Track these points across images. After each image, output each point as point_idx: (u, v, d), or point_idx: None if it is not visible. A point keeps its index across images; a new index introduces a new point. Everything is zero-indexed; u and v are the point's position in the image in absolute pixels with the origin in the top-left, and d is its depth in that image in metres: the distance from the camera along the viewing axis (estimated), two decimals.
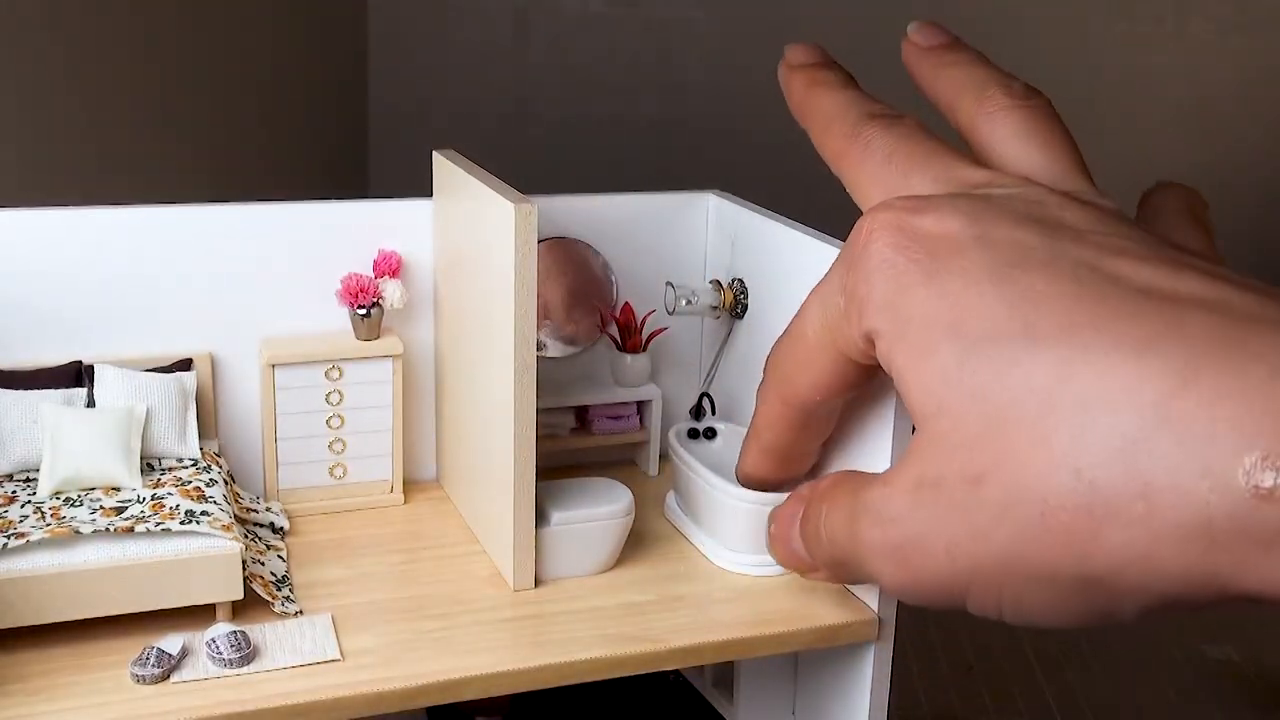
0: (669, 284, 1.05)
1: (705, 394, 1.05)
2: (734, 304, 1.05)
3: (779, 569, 0.94)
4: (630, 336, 1.09)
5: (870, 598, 0.89)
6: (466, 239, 0.95)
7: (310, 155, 2.78)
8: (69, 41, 1.76)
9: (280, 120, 2.62)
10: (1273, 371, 0.47)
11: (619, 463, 1.12)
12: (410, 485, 1.06)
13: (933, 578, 0.60)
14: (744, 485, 0.89)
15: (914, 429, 0.62)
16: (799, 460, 0.87)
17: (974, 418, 0.55)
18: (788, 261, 0.97)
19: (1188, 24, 3.11)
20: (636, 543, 0.97)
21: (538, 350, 1.07)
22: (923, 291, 0.58)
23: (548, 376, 1.09)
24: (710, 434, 1.04)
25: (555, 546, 0.92)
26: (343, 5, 2.99)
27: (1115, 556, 0.51)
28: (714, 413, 1.05)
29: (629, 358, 1.09)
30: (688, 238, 1.10)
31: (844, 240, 0.67)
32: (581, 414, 1.10)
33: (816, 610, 0.89)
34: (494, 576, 0.93)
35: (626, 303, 1.09)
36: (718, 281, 1.07)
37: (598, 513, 0.92)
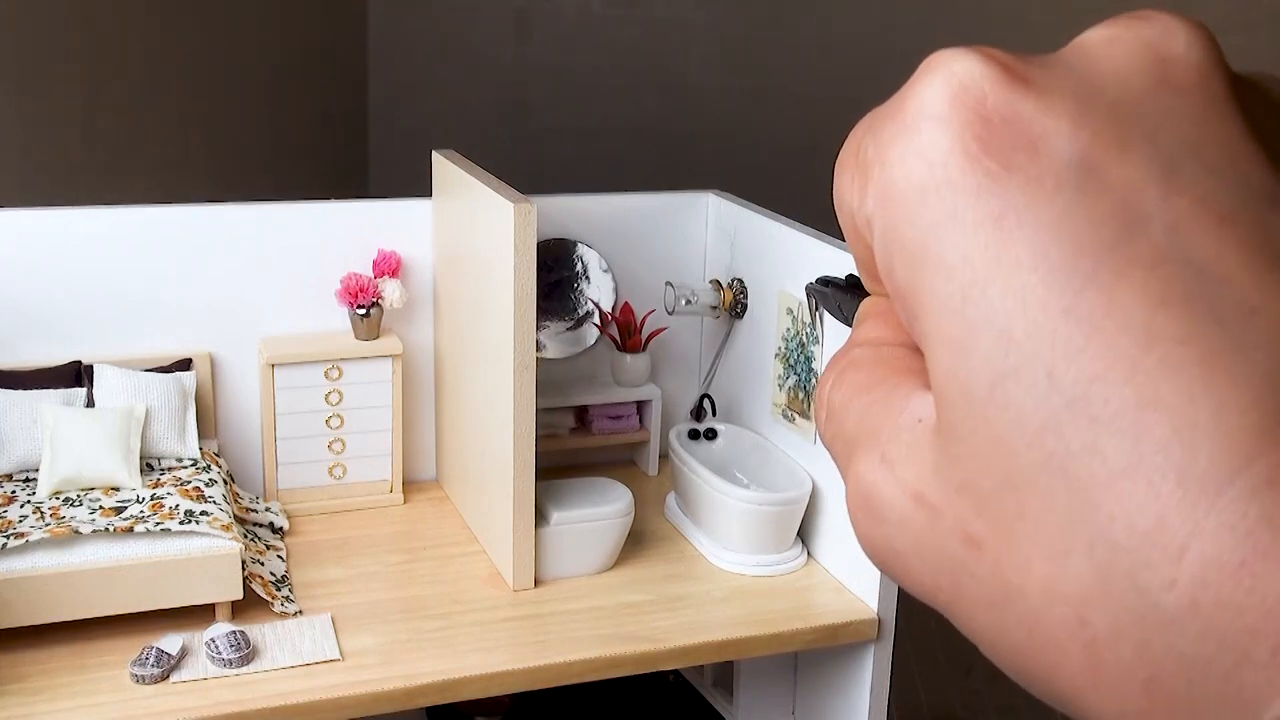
0: (668, 284, 1.05)
1: (706, 395, 1.05)
2: (734, 303, 1.05)
3: (778, 569, 0.94)
4: (630, 336, 1.09)
5: (870, 597, 0.89)
6: (466, 239, 0.95)
7: (310, 155, 2.77)
8: (69, 41, 1.76)
9: (280, 120, 2.62)
10: None
11: (619, 462, 1.12)
12: (410, 485, 1.06)
13: (898, 578, 0.55)
14: None
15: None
16: None
17: (993, 477, 0.40)
18: (788, 261, 0.97)
19: None
20: (636, 542, 0.97)
21: (537, 350, 1.07)
22: (975, 239, 0.34)
23: (547, 376, 1.09)
24: (711, 435, 1.04)
25: (554, 546, 0.92)
26: (343, 5, 2.98)
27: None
28: (714, 413, 1.05)
29: (628, 358, 1.09)
30: (688, 238, 1.10)
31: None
32: (581, 414, 1.10)
33: (815, 610, 0.90)
34: (493, 576, 0.93)
35: (626, 302, 1.09)
36: (717, 281, 1.07)
37: (597, 512, 0.92)
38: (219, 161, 2.33)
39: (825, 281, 0.50)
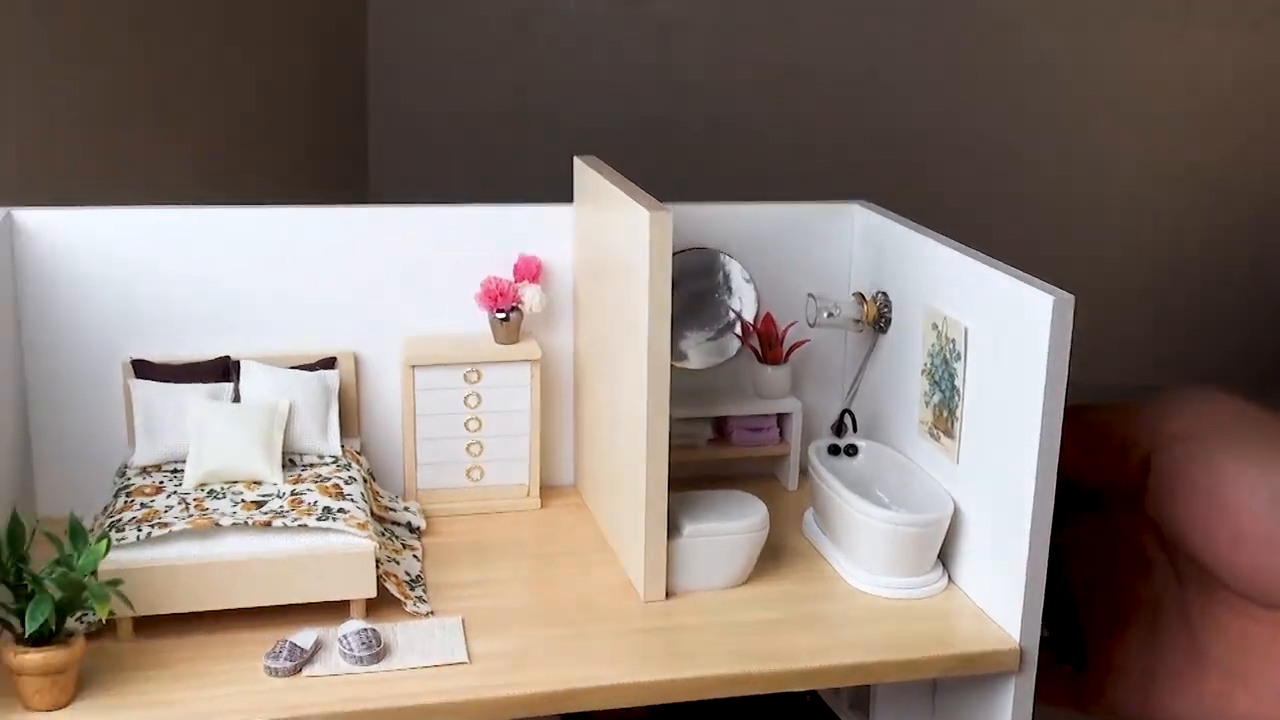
0: (810, 295, 1.03)
1: (847, 410, 1.03)
2: (877, 317, 1.03)
3: (917, 592, 0.91)
4: (771, 348, 1.07)
5: (1013, 626, 0.86)
6: (604, 245, 0.94)
7: (310, 155, 2.78)
8: (69, 42, 1.77)
9: (280, 120, 2.63)
10: None
11: (758, 475, 1.11)
12: (548, 490, 1.06)
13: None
14: None
15: None
16: None
17: None
18: (934, 276, 0.94)
19: (1188, 24, 3.00)
20: (771, 558, 0.96)
21: (679, 360, 1.07)
22: None
23: (687, 386, 1.08)
24: (852, 451, 1.02)
25: (686, 558, 0.90)
26: (343, 5, 2.99)
27: None
28: (855, 429, 1.03)
29: (769, 369, 1.07)
30: (833, 249, 1.08)
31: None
32: (720, 425, 1.09)
33: (953, 636, 0.87)
34: (625, 586, 0.92)
35: (768, 314, 1.08)
36: (860, 294, 1.04)
37: (730, 526, 0.91)
38: (218, 160, 2.35)
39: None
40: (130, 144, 1.99)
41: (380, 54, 3.03)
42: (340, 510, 0.86)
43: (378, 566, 0.86)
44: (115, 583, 0.78)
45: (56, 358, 0.96)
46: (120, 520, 0.84)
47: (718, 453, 1.08)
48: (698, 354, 1.08)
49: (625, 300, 0.89)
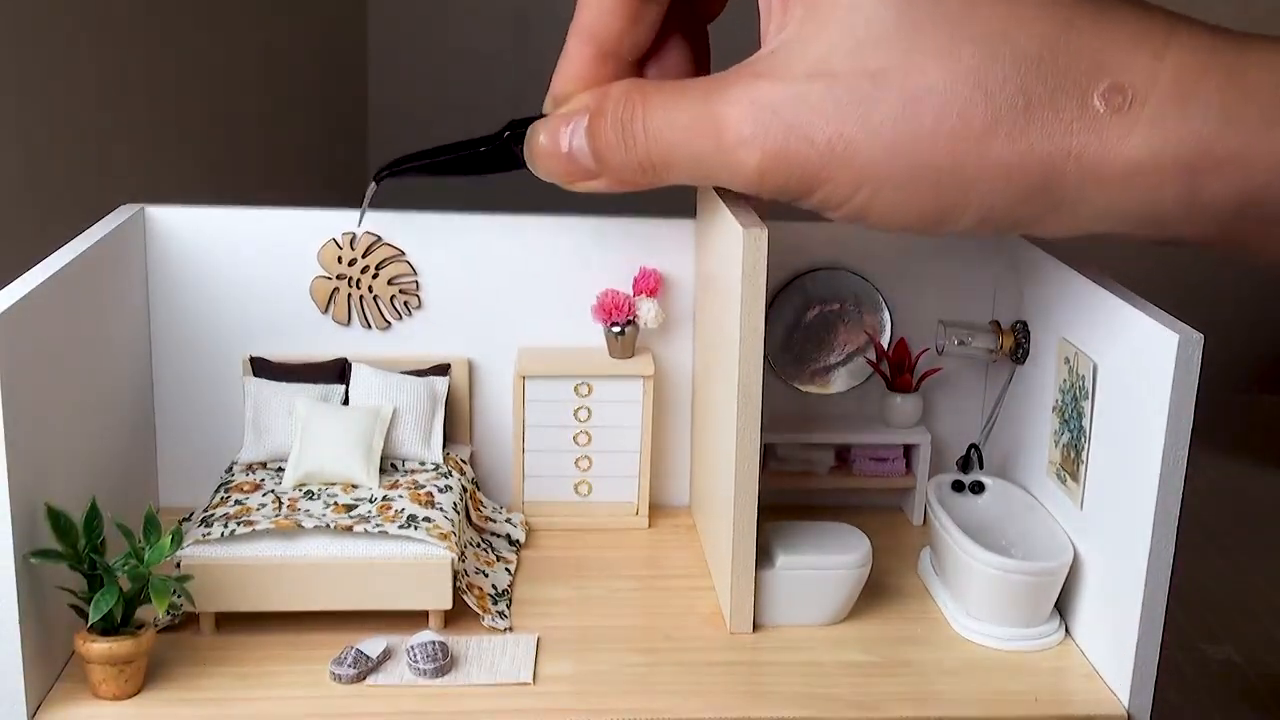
0: (941, 322, 0.98)
1: (973, 445, 0.97)
2: (1014, 348, 0.96)
3: (1026, 644, 0.85)
4: (901, 375, 1.02)
5: (1123, 689, 0.79)
6: (713, 261, 0.91)
7: (310, 156, 2.76)
8: (69, 41, 1.79)
9: (279, 121, 2.61)
10: (1139, 16, 0.61)
11: (884, 508, 1.05)
12: (659, 510, 1.03)
13: (800, 169, 0.64)
14: (555, 103, 0.79)
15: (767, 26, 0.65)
16: (618, 57, 0.78)
17: (889, 17, 0.61)
18: (1073, 308, 0.87)
19: None
20: (876, 595, 0.91)
21: (803, 384, 1.02)
22: None
23: (810, 411, 1.04)
24: (978, 488, 0.95)
25: (778, 591, 0.86)
26: (343, 6, 2.96)
27: (987, 165, 0.61)
28: (981, 465, 0.96)
29: (899, 398, 1.02)
30: (976, 275, 1.02)
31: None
32: (843, 453, 1.04)
33: (1056, 696, 0.80)
34: (715, 616, 0.88)
35: (902, 339, 1.02)
36: (997, 323, 0.98)
37: (827, 560, 0.86)
38: (217, 161, 2.35)
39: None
40: (127, 143, 2.03)
41: (380, 53, 3.04)
42: (425, 519, 0.86)
43: (459, 578, 0.85)
44: (184, 578, 0.79)
45: (183, 353, 0.98)
46: (213, 515, 0.85)
47: (840, 482, 1.03)
48: (823, 378, 1.03)
49: (724, 318, 0.86)
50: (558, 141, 0.75)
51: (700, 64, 0.83)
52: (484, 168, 0.85)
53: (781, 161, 0.65)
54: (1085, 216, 0.63)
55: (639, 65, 0.80)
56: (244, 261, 0.97)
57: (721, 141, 0.67)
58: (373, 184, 0.90)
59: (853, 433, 1.03)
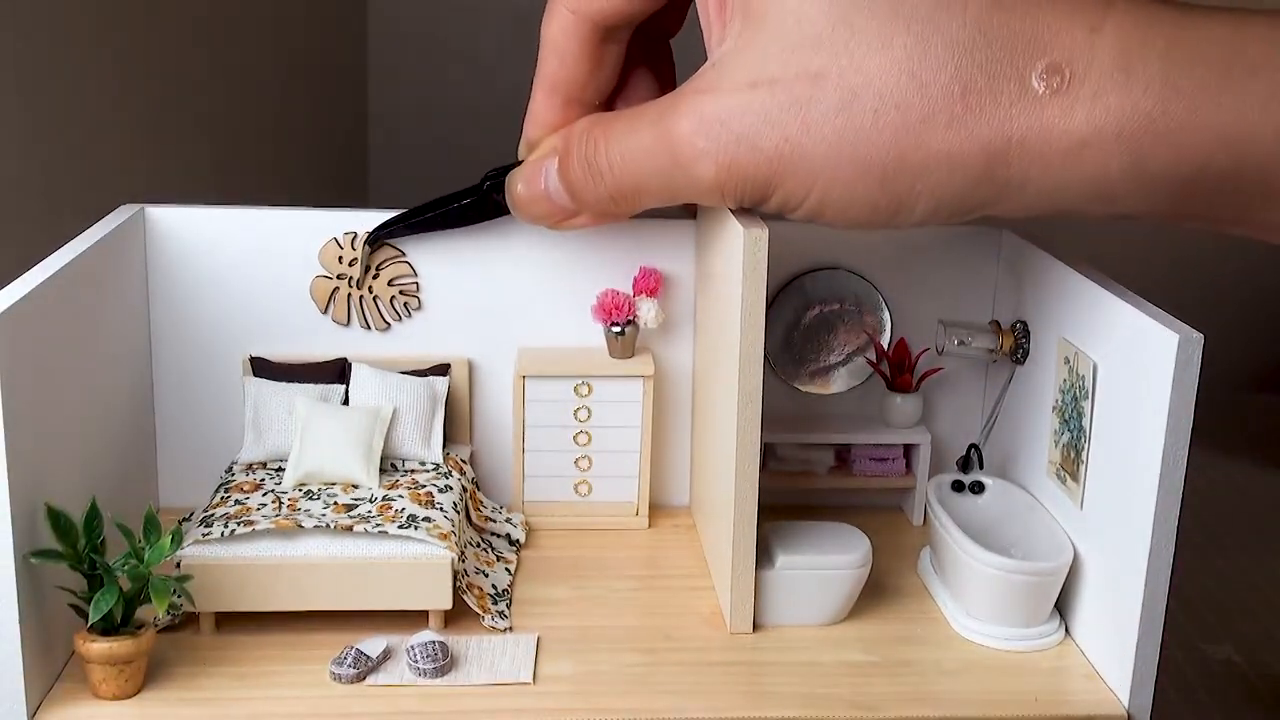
0: (940, 322, 0.98)
1: (973, 445, 0.97)
2: (1014, 348, 0.96)
3: (1026, 644, 0.85)
4: (900, 375, 1.02)
5: (1123, 690, 0.79)
6: (712, 262, 0.91)
7: (309, 157, 2.76)
8: (69, 42, 1.79)
9: (279, 122, 2.61)
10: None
11: (883, 508, 1.05)
12: (659, 510, 1.03)
13: (753, 177, 0.66)
14: (528, 148, 0.83)
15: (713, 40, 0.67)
16: (584, 102, 0.80)
17: (821, 17, 0.61)
18: (1074, 309, 0.87)
19: None
20: (876, 595, 0.91)
21: (803, 384, 1.02)
22: None
23: (810, 411, 1.04)
24: (978, 488, 0.95)
25: (778, 591, 0.86)
26: (343, 7, 2.96)
27: (930, 155, 0.61)
28: (981, 465, 0.96)
29: (899, 398, 1.02)
30: (975, 275, 1.02)
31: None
32: (843, 453, 1.04)
33: (1056, 696, 0.80)
34: (714, 616, 0.88)
35: (902, 339, 1.02)
36: (996, 323, 0.98)
37: (827, 560, 0.86)
38: (217, 162, 2.35)
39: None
40: (127, 144, 2.03)
41: (380, 54, 3.03)
42: (425, 519, 0.86)
43: (459, 578, 0.85)
44: (184, 578, 0.79)
45: (183, 353, 0.98)
46: (212, 515, 0.85)
47: (840, 482, 1.03)
48: (823, 378, 1.03)
49: (724, 318, 0.86)
50: (535, 187, 0.78)
51: (666, 85, 0.84)
52: (468, 219, 0.92)
53: (735, 172, 0.66)
54: (1033, 196, 0.63)
55: (607, 101, 0.81)
56: (244, 261, 0.97)
57: (678, 159, 0.68)
58: (365, 246, 0.95)
59: (853, 433, 1.03)
